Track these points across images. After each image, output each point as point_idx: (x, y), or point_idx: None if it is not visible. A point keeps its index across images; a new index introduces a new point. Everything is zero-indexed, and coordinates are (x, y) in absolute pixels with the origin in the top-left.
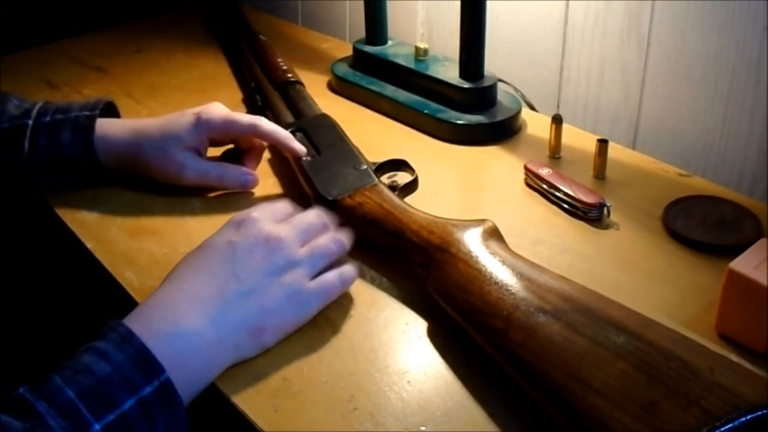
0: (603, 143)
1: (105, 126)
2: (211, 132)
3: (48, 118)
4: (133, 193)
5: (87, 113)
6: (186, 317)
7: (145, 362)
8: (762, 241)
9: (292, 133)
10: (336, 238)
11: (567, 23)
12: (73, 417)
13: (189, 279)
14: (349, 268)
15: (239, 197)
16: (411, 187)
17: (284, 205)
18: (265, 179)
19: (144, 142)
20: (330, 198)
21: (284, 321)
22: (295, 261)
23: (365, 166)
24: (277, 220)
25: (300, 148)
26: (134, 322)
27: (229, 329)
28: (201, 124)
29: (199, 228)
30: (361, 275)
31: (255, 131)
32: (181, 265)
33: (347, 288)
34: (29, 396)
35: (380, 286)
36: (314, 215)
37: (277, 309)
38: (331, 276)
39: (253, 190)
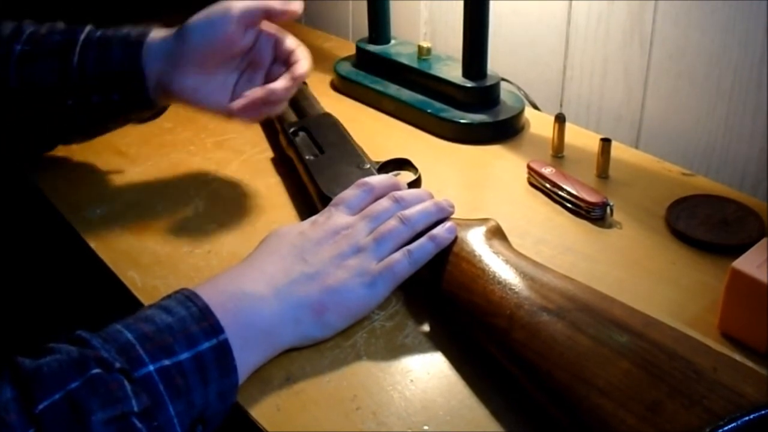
0: (606, 142)
1: (153, 35)
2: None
3: (99, 33)
4: (135, 192)
5: (139, 30)
6: (251, 284)
7: (207, 319)
8: (765, 241)
9: (294, 132)
10: (406, 218)
11: (570, 23)
12: (129, 354)
13: (258, 258)
14: (418, 243)
15: (242, 199)
16: (414, 186)
17: (363, 192)
18: (268, 178)
19: (189, 24)
20: (333, 197)
21: (349, 301)
22: (361, 247)
23: (368, 165)
24: (353, 209)
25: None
26: (201, 287)
27: (291, 302)
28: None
29: (202, 227)
30: None
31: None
32: (255, 249)
33: (421, 263)
34: (86, 335)
35: None
36: (388, 202)
37: (341, 289)
38: (396, 255)
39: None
